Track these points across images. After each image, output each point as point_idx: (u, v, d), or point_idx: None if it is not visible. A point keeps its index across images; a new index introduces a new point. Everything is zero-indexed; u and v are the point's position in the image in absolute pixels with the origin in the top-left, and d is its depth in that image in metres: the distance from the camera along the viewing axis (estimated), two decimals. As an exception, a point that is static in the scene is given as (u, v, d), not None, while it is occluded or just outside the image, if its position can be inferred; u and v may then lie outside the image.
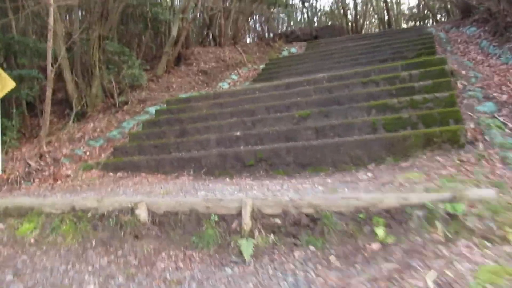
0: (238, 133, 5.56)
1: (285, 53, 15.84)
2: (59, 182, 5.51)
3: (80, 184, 5.33)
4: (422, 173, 3.73)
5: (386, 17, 21.70)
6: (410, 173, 3.77)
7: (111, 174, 5.76)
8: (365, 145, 4.52)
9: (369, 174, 4.21)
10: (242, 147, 5.37)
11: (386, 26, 20.94)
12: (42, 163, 6.05)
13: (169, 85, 10.74)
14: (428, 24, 22.19)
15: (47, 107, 6.57)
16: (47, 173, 5.82)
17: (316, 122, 5.45)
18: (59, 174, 5.68)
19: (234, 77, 12.09)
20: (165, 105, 8.04)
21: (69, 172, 5.86)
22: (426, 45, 10.09)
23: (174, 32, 10.99)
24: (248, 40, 16.89)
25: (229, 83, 11.55)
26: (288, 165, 4.78)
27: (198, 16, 16.40)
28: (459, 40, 10.49)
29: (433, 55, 9.20)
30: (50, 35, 6.42)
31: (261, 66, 13.13)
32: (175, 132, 6.34)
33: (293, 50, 16.21)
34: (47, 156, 6.31)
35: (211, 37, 15.40)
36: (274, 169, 4.81)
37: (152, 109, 8.58)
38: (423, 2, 22.29)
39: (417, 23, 23.42)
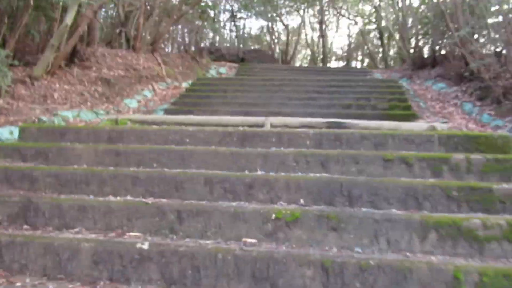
0: (144, 246, 2.42)
1: (213, 72, 12.81)
2: None
3: None
4: None
5: (320, 52, 19.89)
6: None
7: None
8: None
9: None
10: None
11: (320, 62, 19.07)
12: None
13: (49, 93, 7.03)
14: (354, 65, 20.96)
15: None
16: None
17: (314, 235, 2.60)
18: None
19: (147, 93, 8.71)
20: (15, 135, 4.45)
21: None
22: (395, 95, 7.84)
23: (68, 19, 7.36)
24: (169, 50, 13.57)
25: (139, 102, 8.15)
26: None
27: (110, 8, 12.73)
28: (429, 96, 8.45)
29: (409, 110, 6.98)
30: None
31: (185, 84, 9.96)
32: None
33: (222, 70, 13.28)
34: None
35: (123, 38, 11.85)
36: None
37: (3, 134, 4.94)
38: (352, 45, 21.06)
39: (345, 63, 22.14)
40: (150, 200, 2.92)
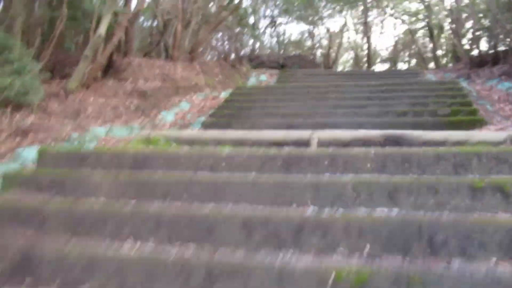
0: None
1: (253, 80, 12.24)
2: None
3: None
4: None
5: (365, 55, 18.86)
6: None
7: None
8: None
9: None
10: None
11: (365, 65, 18.06)
12: None
13: (82, 107, 6.70)
14: (401, 67, 19.68)
15: None
16: None
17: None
18: None
19: (184, 105, 8.24)
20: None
21: None
22: (457, 99, 6.90)
23: (102, 29, 7.04)
24: (208, 58, 13.17)
25: (176, 114, 7.67)
26: None
27: (149, 18, 12.50)
28: (496, 98, 7.40)
29: (475, 115, 6.04)
30: None
31: (223, 94, 9.43)
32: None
33: (263, 78, 12.69)
34: None
35: (162, 47, 11.55)
36: None
37: (30, 153, 4.58)
38: (398, 45, 19.84)
39: (390, 65, 20.94)
40: (174, 250, 2.31)
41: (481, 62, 10.22)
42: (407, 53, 20.90)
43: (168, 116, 7.41)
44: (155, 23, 12.20)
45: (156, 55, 11.32)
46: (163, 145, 4.29)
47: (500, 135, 4.46)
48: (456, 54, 12.43)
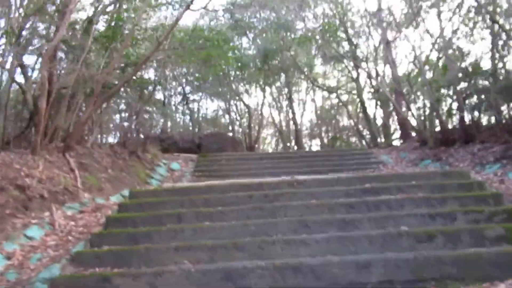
0: None
1: (162, 171, 8.90)
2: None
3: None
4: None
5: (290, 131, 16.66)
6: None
7: None
8: None
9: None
10: None
11: (293, 145, 15.76)
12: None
13: None
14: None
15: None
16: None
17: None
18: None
19: (35, 232, 4.61)
20: None
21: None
22: (488, 203, 4.31)
23: None
24: (95, 143, 9.60)
25: (7, 258, 4.04)
26: None
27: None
28: None
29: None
30: None
31: (114, 199, 6.07)
32: None
33: (175, 166, 9.43)
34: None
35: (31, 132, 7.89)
36: None
37: None
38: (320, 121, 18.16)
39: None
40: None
41: (447, 140, 8.18)
42: (330, 130, 19.28)
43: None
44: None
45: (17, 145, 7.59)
46: None
47: None
48: (405, 130, 10.48)
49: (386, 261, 3.18)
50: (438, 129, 9.08)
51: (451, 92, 8.38)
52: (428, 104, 9.33)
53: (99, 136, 8.83)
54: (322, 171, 7.94)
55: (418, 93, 9.81)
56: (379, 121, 13.94)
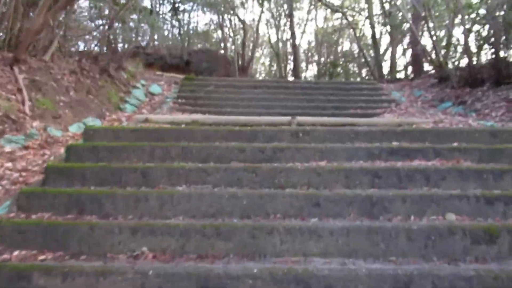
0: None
1: (139, 94, 7.51)
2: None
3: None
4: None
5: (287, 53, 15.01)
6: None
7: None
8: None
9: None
10: None
11: (290, 71, 14.21)
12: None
13: None
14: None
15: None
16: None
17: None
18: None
19: None
20: None
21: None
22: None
23: None
24: (57, 55, 8.01)
25: None
26: None
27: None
28: None
29: None
30: None
31: (74, 129, 4.89)
32: None
33: (156, 89, 8.06)
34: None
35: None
36: None
37: None
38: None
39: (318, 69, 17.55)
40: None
41: (475, 79, 6.90)
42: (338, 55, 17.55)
43: None
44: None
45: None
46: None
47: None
48: (419, 64, 9.10)
49: (434, 277, 2.14)
50: (462, 66, 7.75)
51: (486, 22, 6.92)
52: (453, 35, 7.88)
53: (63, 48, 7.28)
54: (326, 107, 6.78)
55: (443, 20, 8.29)
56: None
